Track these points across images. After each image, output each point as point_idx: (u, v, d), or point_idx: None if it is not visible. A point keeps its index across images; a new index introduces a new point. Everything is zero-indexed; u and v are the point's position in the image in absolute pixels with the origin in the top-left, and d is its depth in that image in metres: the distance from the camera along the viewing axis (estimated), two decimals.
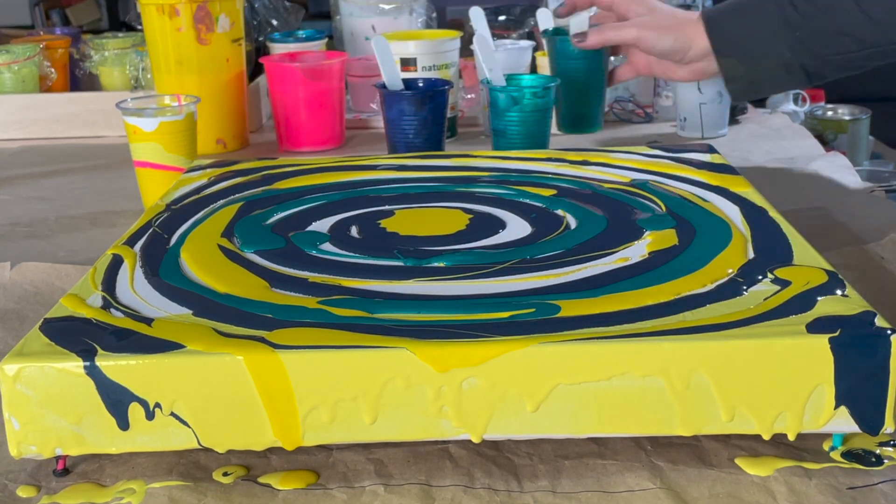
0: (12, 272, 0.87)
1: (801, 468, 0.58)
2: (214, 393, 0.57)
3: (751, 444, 0.60)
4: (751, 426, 0.57)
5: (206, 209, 0.83)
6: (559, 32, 1.21)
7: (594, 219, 0.77)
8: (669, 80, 1.02)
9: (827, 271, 0.65)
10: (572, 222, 0.77)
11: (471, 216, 0.80)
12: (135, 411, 0.57)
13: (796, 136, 1.29)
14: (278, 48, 1.48)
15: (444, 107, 1.11)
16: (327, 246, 0.74)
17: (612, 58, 1.19)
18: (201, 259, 0.71)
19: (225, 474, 0.59)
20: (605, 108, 1.38)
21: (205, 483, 0.58)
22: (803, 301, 0.60)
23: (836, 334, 0.56)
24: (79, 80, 1.60)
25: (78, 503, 0.57)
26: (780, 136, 1.30)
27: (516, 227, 0.77)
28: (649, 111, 1.40)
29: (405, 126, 1.10)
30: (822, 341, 0.56)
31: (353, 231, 0.77)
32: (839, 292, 0.62)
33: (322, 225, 0.79)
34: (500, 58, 1.18)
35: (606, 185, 0.86)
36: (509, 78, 1.13)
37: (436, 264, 0.70)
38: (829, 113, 1.31)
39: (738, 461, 0.59)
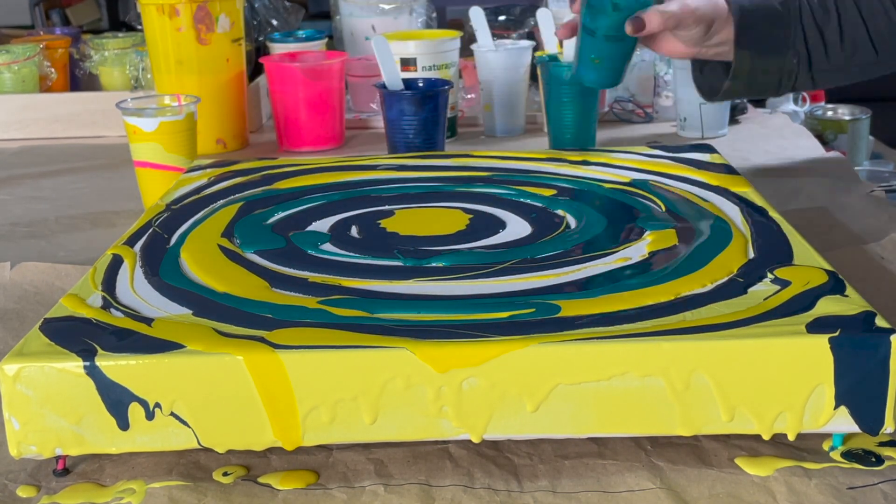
0: (12, 272, 0.87)
1: (801, 468, 0.58)
2: (214, 393, 0.57)
3: (751, 444, 0.60)
4: (751, 426, 0.57)
5: (206, 209, 0.83)
6: (553, 59, 1.21)
7: (594, 219, 0.77)
8: (669, 54, 0.98)
9: (827, 271, 0.65)
10: (572, 222, 0.77)
11: (471, 216, 0.80)
12: (135, 411, 0.57)
13: (796, 136, 1.28)
14: (278, 48, 1.48)
15: (444, 107, 1.11)
16: (327, 246, 0.74)
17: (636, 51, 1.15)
18: (201, 259, 0.71)
19: (225, 474, 0.59)
20: (605, 108, 1.39)
21: (205, 483, 0.58)
22: (803, 301, 0.60)
23: (836, 334, 0.56)
24: (79, 80, 1.60)
25: (78, 503, 0.57)
26: (780, 136, 1.30)
27: (516, 227, 0.77)
28: (649, 111, 1.40)
29: (405, 126, 1.10)
30: (822, 341, 0.56)
31: (353, 231, 0.77)
32: (839, 292, 0.62)
33: (322, 225, 0.79)
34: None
35: (606, 185, 0.86)
36: None
37: (436, 264, 0.70)
38: (829, 113, 1.31)
39: (738, 461, 0.59)
